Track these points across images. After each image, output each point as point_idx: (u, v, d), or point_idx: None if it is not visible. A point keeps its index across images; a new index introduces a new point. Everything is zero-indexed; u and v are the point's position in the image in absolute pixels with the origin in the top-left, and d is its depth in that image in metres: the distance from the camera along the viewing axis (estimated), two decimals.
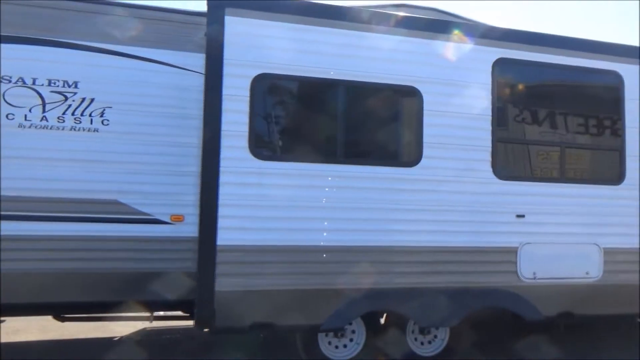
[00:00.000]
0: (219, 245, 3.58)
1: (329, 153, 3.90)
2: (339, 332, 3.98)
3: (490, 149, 4.13)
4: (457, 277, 4.01)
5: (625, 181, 4.49)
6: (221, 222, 3.59)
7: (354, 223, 3.80)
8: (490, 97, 4.16)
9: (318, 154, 3.85)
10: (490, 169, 4.13)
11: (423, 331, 4.30)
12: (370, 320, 4.10)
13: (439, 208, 3.98)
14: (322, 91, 3.90)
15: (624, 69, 4.58)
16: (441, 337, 4.34)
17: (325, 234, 3.76)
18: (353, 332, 4.11)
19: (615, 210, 4.44)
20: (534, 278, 4.20)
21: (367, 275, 3.81)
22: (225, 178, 3.60)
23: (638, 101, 4.58)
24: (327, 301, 3.76)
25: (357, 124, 3.92)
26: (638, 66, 4.61)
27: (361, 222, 3.82)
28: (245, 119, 3.65)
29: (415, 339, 4.30)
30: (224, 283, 3.58)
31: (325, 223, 3.77)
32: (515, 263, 4.15)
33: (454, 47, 4.13)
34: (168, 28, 4.19)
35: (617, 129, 4.56)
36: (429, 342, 4.33)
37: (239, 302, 3.61)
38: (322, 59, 3.82)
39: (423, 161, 3.97)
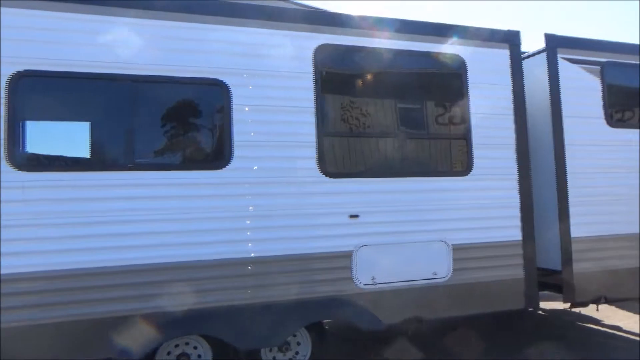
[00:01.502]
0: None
1: (114, 159, 3.39)
2: None
3: (315, 145, 3.74)
4: (281, 290, 3.57)
5: (473, 171, 4.20)
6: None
7: (148, 238, 3.31)
8: (312, 87, 3.76)
9: (99, 160, 3.35)
10: (317, 167, 3.72)
11: (281, 348, 3.87)
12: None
13: (255, 214, 3.54)
14: (103, 88, 3.37)
15: (467, 52, 4.31)
16: (303, 354, 3.91)
17: (112, 253, 3.23)
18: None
19: (463, 204, 4.15)
20: (373, 283, 3.83)
21: (167, 297, 3.31)
22: None
23: (484, 86, 4.34)
24: (111, 332, 3.22)
25: (150, 125, 3.42)
26: (483, 49, 4.38)
27: (158, 236, 3.32)
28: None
29: (274, 358, 3.85)
30: None
31: (112, 241, 3.24)
32: (350, 268, 3.76)
33: (267, 34, 3.72)
34: None
35: (461, 117, 4.27)
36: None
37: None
38: (102, 51, 3.31)
39: (234, 162, 3.52)
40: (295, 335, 3.89)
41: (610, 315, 6.34)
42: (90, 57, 3.30)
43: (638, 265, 4.75)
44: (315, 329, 3.90)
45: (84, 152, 3.23)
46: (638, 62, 5.00)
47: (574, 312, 6.29)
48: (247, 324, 3.45)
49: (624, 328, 5.79)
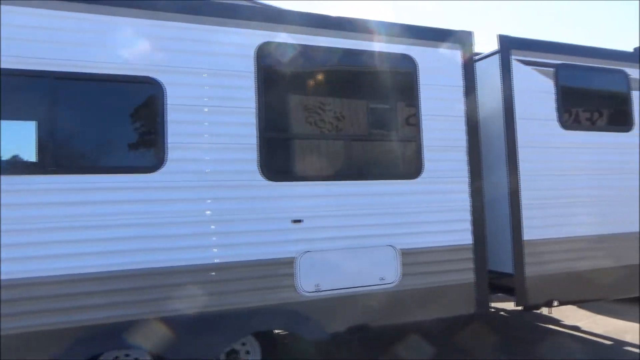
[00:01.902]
0: None
1: (32, 163, 3.17)
2: None
3: (256, 147, 3.60)
4: (220, 300, 3.41)
5: (423, 174, 4.12)
6: None
7: (67, 246, 3.11)
8: (254, 87, 3.61)
9: (17, 164, 3.14)
10: (258, 170, 3.58)
11: (230, 357, 3.71)
12: None
13: (189, 220, 3.37)
14: (17, 85, 3.15)
15: (418, 52, 4.22)
16: None
17: (30, 263, 3.03)
18: None
19: (413, 207, 4.06)
20: (317, 290, 3.70)
21: (88, 309, 3.13)
22: None
23: (435, 87, 4.25)
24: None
25: (72, 126, 3.20)
26: (434, 49, 4.29)
27: (78, 245, 3.13)
28: None
29: None
30: None
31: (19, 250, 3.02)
32: (293, 275, 3.63)
33: (206, 31, 3.56)
34: None
35: (412, 118, 4.18)
36: None
37: None
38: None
39: (167, 165, 3.35)
40: (244, 344, 3.76)
41: (569, 315, 6.38)
42: (5, 52, 3.09)
43: (591, 268, 4.76)
44: (265, 337, 3.78)
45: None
46: (592, 65, 5.00)
47: (535, 313, 6.32)
48: (181, 336, 3.29)
49: (583, 328, 5.83)
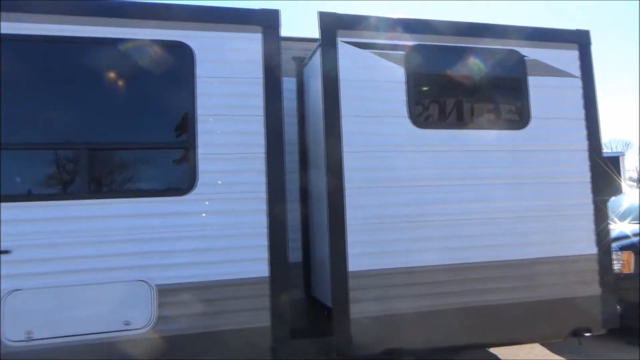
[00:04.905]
0: None
1: None
2: None
3: None
4: None
5: (197, 190, 3.27)
6: None
7: None
8: None
9: None
10: None
11: None
12: None
13: None
14: None
15: (198, 39, 3.39)
16: None
17: None
18: None
19: (179, 232, 3.22)
20: (29, 339, 2.96)
21: None
22: None
23: (219, 80, 3.40)
24: None
25: None
26: (223, 34, 3.45)
27: None
28: None
29: None
30: None
31: None
32: None
33: None
34: None
35: (183, 120, 3.34)
36: None
37: None
38: None
39: None
40: None
41: None
42: None
43: (460, 305, 3.66)
44: None
45: None
46: (465, 45, 3.91)
47: None
48: None
49: None
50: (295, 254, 4.26)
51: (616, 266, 5.62)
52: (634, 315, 5.43)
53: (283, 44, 4.22)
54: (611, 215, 6.83)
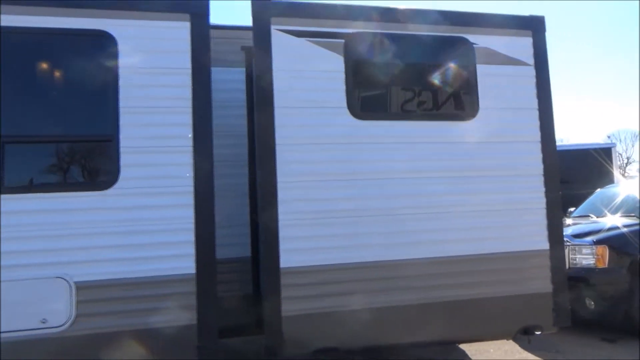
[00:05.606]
0: None
1: None
2: None
3: None
4: None
5: (119, 184, 3.17)
6: None
7: None
8: None
9: None
10: None
11: None
12: None
13: None
14: None
15: (120, 27, 3.27)
16: None
17: None
18: None
19: (99, 227, 3.12)
20: None
21: None
22: None
23: (144, 70, 3.28)
24: None
25: None
26: (147, 22, 3.33)
27: None
28: None
29: None
30: None
31: None
32: None
33: None
34: None
35: (106, 111, 3.23)
36: None
37: None
38: None
39: None
40: None
41: None
42: None
43: (394, 303, 3.53)
44: None
45: None
46: (407, 33, 3.76)
47: None
48: None
49: None
50: (245, 249, 4.18)
51: (590, 260, 5.53)
52: (610, 311, 5.30)
53: (232, 33, 4.09)
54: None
